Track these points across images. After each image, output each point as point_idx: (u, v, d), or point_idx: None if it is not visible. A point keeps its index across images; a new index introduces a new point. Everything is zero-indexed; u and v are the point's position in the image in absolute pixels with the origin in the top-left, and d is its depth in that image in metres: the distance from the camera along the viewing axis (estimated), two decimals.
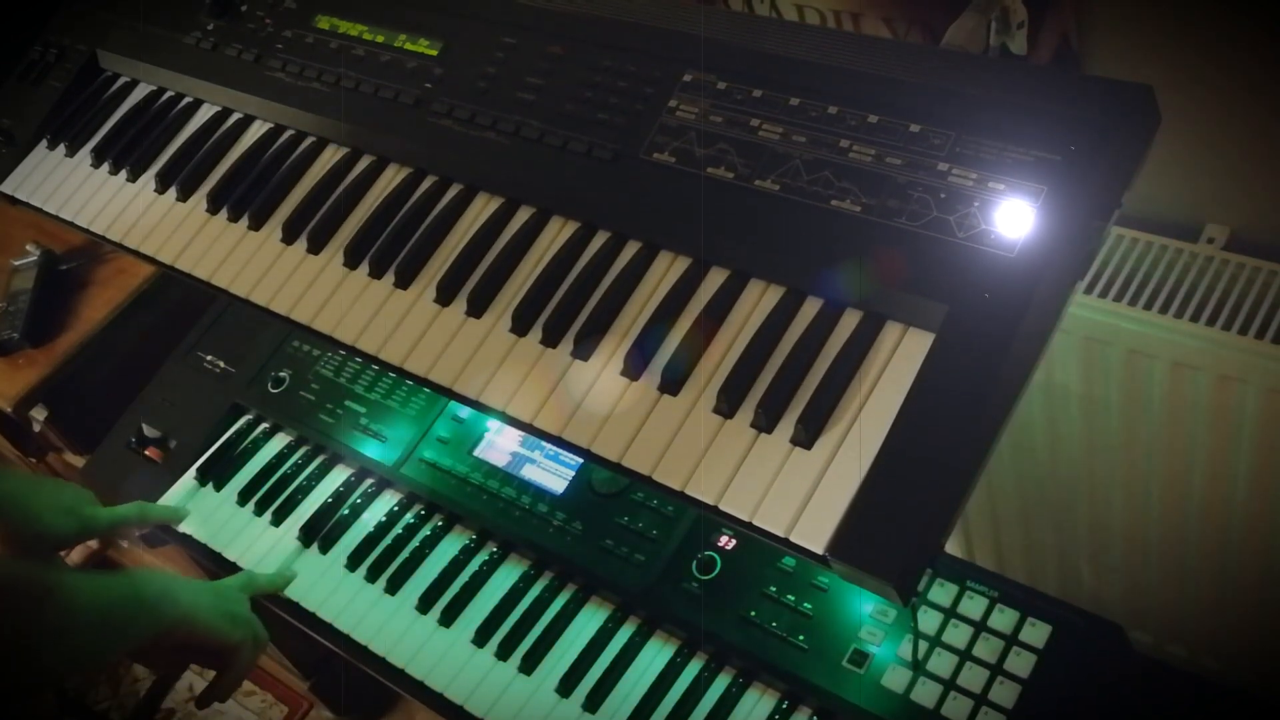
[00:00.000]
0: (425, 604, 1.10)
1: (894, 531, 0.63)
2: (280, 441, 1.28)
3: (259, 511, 1.22)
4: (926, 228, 0.71)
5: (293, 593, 1.14)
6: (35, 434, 1.39)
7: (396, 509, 1.19)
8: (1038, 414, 1.31)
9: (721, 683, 1.00)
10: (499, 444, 1.18)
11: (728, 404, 0.71)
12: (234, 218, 0.96)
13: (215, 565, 1.20)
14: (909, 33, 1.18)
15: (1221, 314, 1.09)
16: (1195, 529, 1.30)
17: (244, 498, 1.23)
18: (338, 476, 1.23)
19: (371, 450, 1.22)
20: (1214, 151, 1.13)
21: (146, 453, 1.30)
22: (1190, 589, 1.40)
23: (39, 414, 1.35)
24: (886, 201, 0.73)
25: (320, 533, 1.18)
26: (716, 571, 1.04)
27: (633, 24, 0.87)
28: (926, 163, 0.73)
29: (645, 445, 0.72)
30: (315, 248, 0.91)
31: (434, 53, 0.94)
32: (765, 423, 0.69)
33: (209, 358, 1.35)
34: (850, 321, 0.72)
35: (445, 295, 0.83)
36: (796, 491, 0.66)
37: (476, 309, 0.82)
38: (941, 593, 0.98)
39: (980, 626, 0.95)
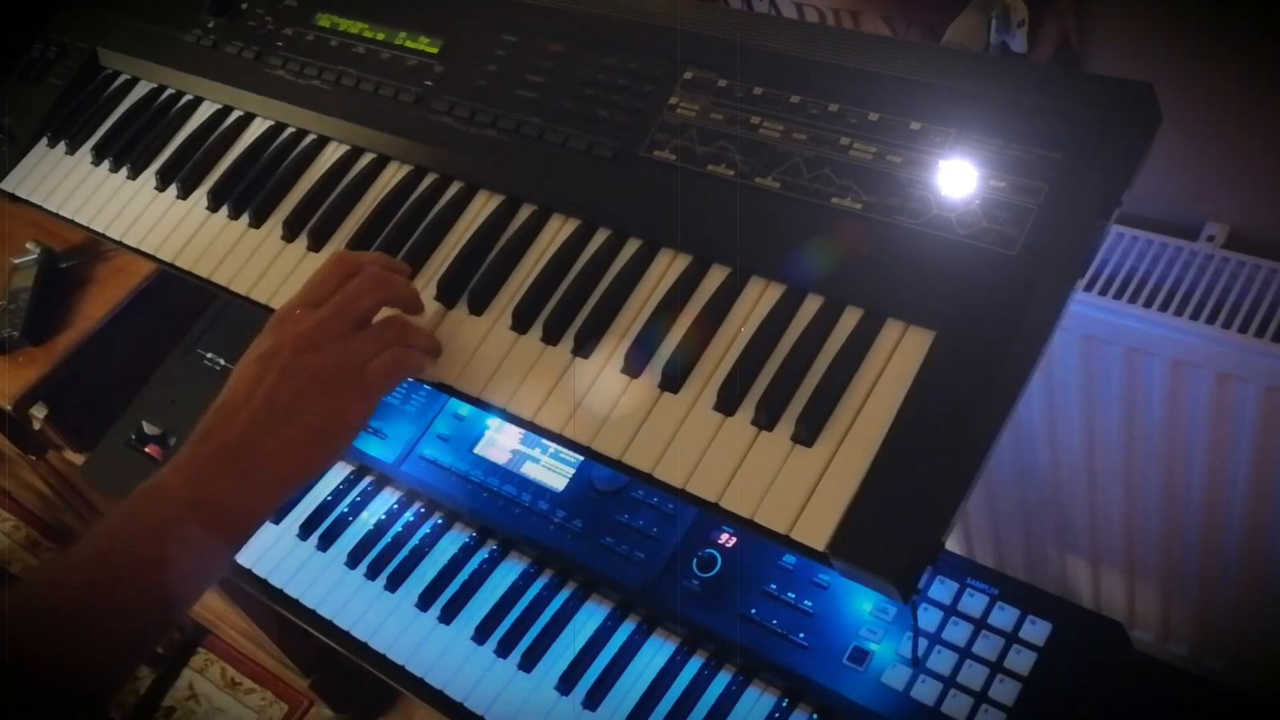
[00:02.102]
0: (425, 601, 1.10)
1: (895, 529, 0.63)
2: None
3: None
4: (927, 225, 0.71)
5: (293, 590, 1.14)
6: (35, 432, 1.39)
7: (396, 506, 1.19)
8: (1038, 413, 1.31)
9: (722, 680, 1.00)
10: (499, 441, 1.18)
11: (728, 402, 0.71)
12: (234, 215, 0.96)
13: None
14: (909, 30, 1.18)
15: (1221, 312, 1.09)
16: (1195, 527, 1.30)
17: None
18: (337, 474, 1.23)
19: (371, 447, 1.22)
20: (1214, 150, 1.13)
21: (147, 450, 1.30)
22: (1190, 588, 1.40)
23: (39, 412, 1.35)
24: (887, 199, 0.73)
25: (320, 530, 1.18)
26: (717, 569, 1.04)
27: (633, 22, 0.87)
28: (927, 160, 0.73)
29: (646, 443, 0.72)
30: (316, 245, 0.91)
31: (434, 50, 0.94)
32: (766, 420, 0.69)
33: (209, 355, 1.35)
34: (851, 319, 0.72)
35: (446, 293, 0.83)
36: (797, 489, 0.66)
37: (477, 307, 0.82)
38: (942, 590, 0.98)
39: (980, 624, 0.96)
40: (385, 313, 0.81)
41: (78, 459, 1.44)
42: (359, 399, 0.74)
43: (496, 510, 1.13)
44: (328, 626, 1.12)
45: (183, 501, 0.70)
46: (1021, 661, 0.93)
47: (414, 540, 1.15)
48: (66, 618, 0.67)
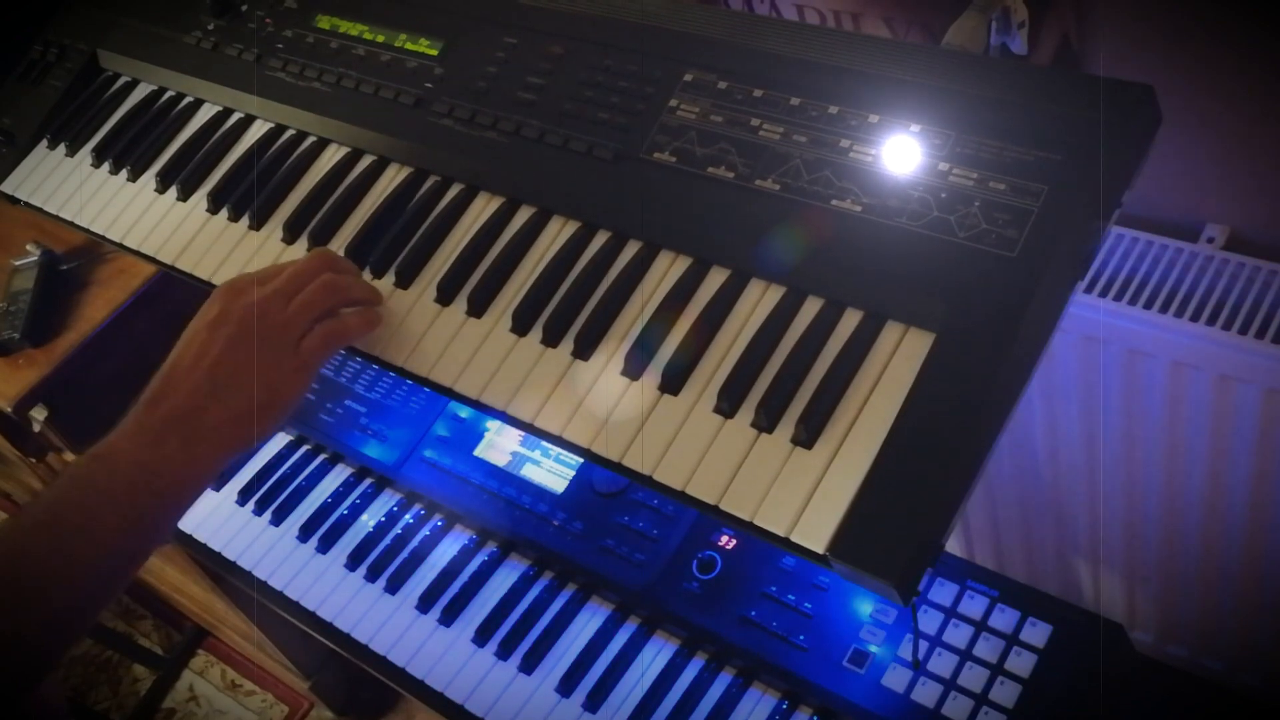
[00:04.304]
0: (426, 603, 1.10)
1: (895, 531, 0.63)
2: (280, 441, 1.28)
3: (259, 511, 1.22)
4: (927, 227, 0.71)
5: (293, 592, 1.14)
6: (35, 434, 1.39)
7: (396, 508, 1.19)
8: (1038, 414, 1.31)
9: (722, 682, 1.00)
10: (499, 444, 1.18)
11: (728, 404, 0.71)
12: (235, 217, 0.96)
13: (215, 564, 1.20)
14: (909, 32, 1.18)
15: (1221, 313, 1.09)
16: (1195, 528, 1.30)
17: (244, 497, 1.23)
18: (338, 476, 1.24)
19: (372, 450, 1.22)
20: (1214, 151, 1.13)
21: None
22: (1190, 589, 1.40)
23: (39, 414, 1.35)
24: (887, 201, 0.72)
25: (320, 532, 1.18)
26: (717, 571, 1.04)
27: (633, 24, 0.87)
28: (927, 162, 0.73)
29: (646, 445, 0.72)
30: (316, 247, 0.91)
31: (434, 52, 0.94)
32: (766, 422, 0.69)
33: None
34: (851, 321, 0.72)
35: (446, 295, 0.83)
36: (797, 491, 0.66)
37: (477, 309, 0.82)
38: (942, 592, 0.98)
39: (981, 626, 0.96)
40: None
41: None
42: (296, 374, 0.79)
43: (497, 512, 1.13)
44: (328, 629, 1.12)
45: (132, 465, 0.74)
46: (1022, 663, 0.93)
47: (414, 542, 1.15)
48: (20, 579, 0.71)
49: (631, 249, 0.81)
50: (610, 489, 1.11)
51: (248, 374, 0.77)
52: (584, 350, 0.77)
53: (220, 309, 0.79)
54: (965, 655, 0.94)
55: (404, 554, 1.14)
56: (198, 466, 0.76)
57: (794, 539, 0.65)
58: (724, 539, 1.06)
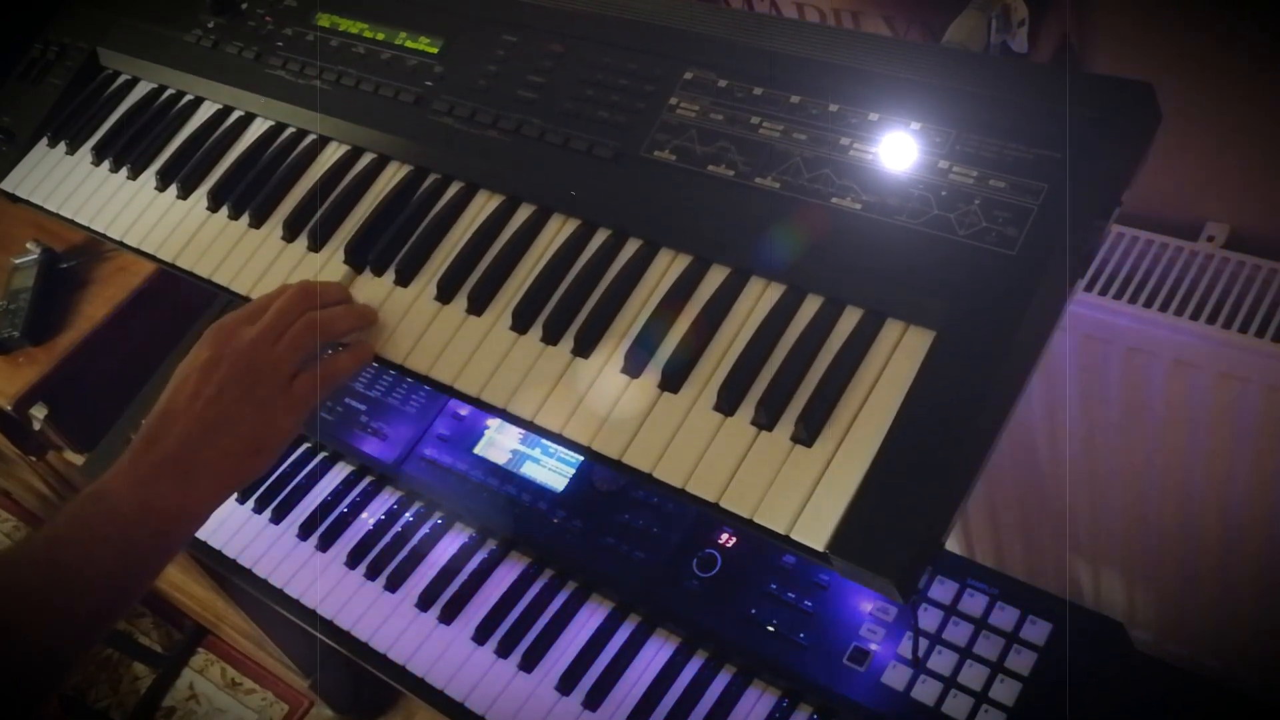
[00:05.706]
0: (425, 601, 1.10)
1: (895, 529, 0.63)
2: None
3: (259, 509, 1.22)
4: (927, 225, 0.71)
5: (293, 590, 1.14)
6: (35, 432, 1.39)
7: (396, 506, 1.19)
8: (1038, 412, 1.30)
9: (722, 680, 1.00)
10: (499, 441, 1.18)
11: (728, 402, 0.71)
12: (234, 215, 0.96)
13: (215, 562, 1.20)
14: (909, 31, 1.18)
15: (1222, 312, 1.09)
16: (1195, 527, 1.30)
17: (244, 495, 1.23)
18: (338, 474, 1.24)
19: (371, 448, 1.22)
20: (1214, 150, 1.13)
21: None
22: (1190, 588, 1.39)
23: (39, 412, 1.35)
24: (887, 199, 0.72)
25: (320, 530, 1.18)
26: (717, 569, 1.04)
27: (634, 22, 0.87)
28: (927, 160, 0.73)
29: (645, 443, 0.72)
30: (316, 245, 0.91)
31: (434, 50, 0.94)
32: (766, 420, 0.69)
33: None
34: (851, 319, 0.72)
35: (446, 293, 0.83)
36: (797, 489, 0.66)
37: (477, 307, 0.82)
38: (942, 590, 0.98)
39: (981, 624, 0.96)
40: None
41: (78, 459, 1.44)
42: (287, 413, 0.80)
43: (497, 510, 1.13)
44: (328, 627, 1.12)
45: (127, 505, 0.75)
46: (1022, 661, 0.93)
47: (414, 540, 1.15)
48: (17, 612, 0.71)
49: (631, 247, 0.81)
50: (610, 487, 1.11)
51: (239, 415, 0.78)
52: (584, 348, 0.77)
53: (211, 352, 0.80)
54: (965, 653, 0.94)
55: (404, 552, 1.14)
56: (191, 506, 0.77)
57: (794, 537, 0.65)
58: (724, 537, 1.06)
